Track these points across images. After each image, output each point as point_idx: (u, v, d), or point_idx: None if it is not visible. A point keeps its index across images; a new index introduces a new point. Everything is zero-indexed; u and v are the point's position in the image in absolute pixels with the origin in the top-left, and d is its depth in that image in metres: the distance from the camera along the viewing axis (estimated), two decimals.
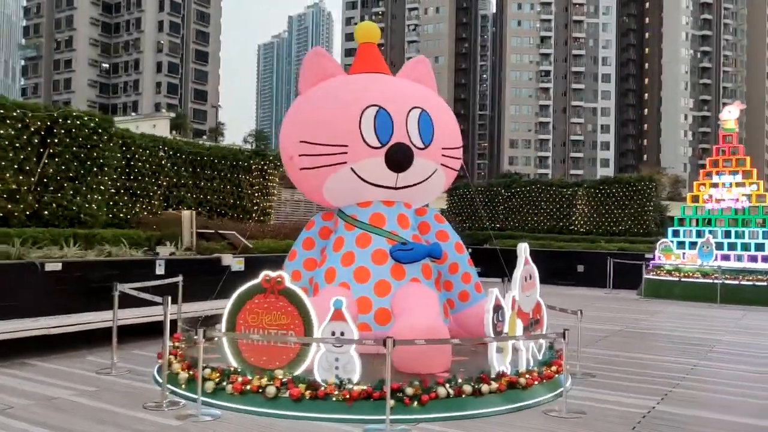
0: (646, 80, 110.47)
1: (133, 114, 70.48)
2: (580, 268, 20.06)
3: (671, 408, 5.93)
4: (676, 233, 17.77)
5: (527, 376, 6.07)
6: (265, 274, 5.99)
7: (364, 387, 5.40)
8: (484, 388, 5.63)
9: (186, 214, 10.83)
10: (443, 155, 7.55)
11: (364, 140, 7.09)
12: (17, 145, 9.44)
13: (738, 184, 17.29)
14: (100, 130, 10.64)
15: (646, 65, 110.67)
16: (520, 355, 6.41)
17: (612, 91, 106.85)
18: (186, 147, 14.46)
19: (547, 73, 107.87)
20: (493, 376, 5.87)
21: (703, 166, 18.20)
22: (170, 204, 13.73)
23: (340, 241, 7.49)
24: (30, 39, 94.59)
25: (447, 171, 7.73)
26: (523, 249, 6.64)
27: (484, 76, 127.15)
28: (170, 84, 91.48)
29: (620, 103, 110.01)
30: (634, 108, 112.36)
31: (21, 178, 9.49)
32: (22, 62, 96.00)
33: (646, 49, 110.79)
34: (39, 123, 9.73)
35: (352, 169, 7.20)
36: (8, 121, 9.25)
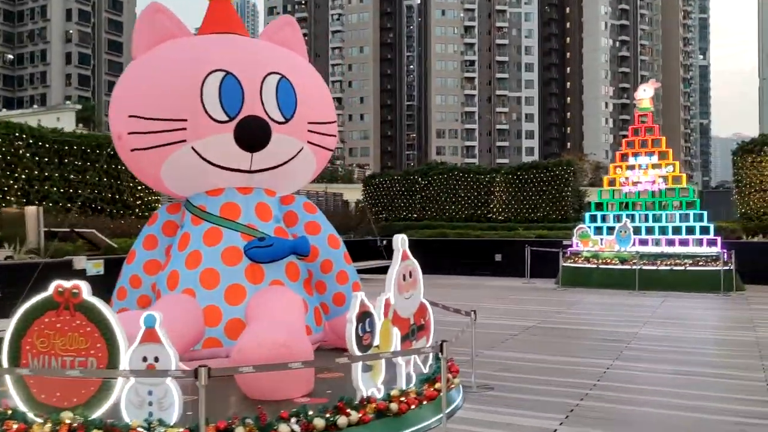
0: (568, 69, 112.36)
1: (34, 107, 66.23)
2: (498, 257, 19.23)
3: (574, 430, 4.88)
4: (593, 218, 17.12)
5: (402, 399, 4.89)
6: (58, 283, 4.58)
7: (180, 430, 4.10)
8: (342, 420, 4.41)
9: (30, 210, 9.21)
10: (310, 131, 6.28)
11: (207, 113, 5.75)
12: None
13: (654, 166, 16.74)
14: None
15: (568, 54, 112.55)
16: (399, 372, 5.24)
17: (535, 80, 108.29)
18: (51, 135, 12.67)
19: (472, 62, 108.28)
20: (356, 401, 4.66)
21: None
22: (31, 200, 11.96)
23: (186, 238, 6.13)
24: None
25: (317, 151, 6.46)
26: (400, 241, 5.44)
27: (411, 66, 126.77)
28: (81, 75, 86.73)
29: (543, 92, 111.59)
30: (557, 97, 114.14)
31: None
32: None
33: (568, 39, 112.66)
34: None
35: (193, 148, 5.84)
36: None
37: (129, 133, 5.90)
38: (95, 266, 9.03)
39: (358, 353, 4.74)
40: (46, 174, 12.28)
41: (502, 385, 6.28)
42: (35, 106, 68.41)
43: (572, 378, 6.52)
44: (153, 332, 4.37)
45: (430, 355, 5.90)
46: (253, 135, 5.85)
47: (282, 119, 6.01)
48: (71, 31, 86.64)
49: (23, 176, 11.80)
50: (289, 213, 6.45)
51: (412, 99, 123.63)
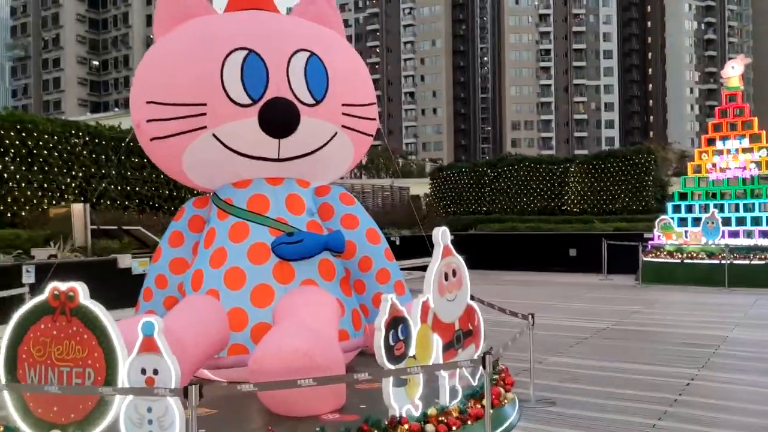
0: (650, 55, 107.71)
1: (115, 110, 68.68)
2: (572, 252, 18.12)
3: None
4: (677, 209, 15.79)
5: (442, 419, 4.20)
6: (54, 286, 4.14)
7: None
8: None
9: (77, 208, 9.00)
10: (345, 114, 5.65)
11: (228, 96, 5.21)
12: None
13: (745, 150, 15.26)
14: None
15: (649, 39, 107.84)
16: (441, 385, 4.56)
17: (615, 67, 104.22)
18: (108, 133, 12.58)
19: (548, 51, 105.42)
20: (386, 423, 4.01)
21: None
22: (88, 198, 11.89)
23: (212, 234, 5.63)
24: (18, 39, 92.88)
25: (354, 136, 5.83)
26: (441, 235, 4.75)
27: (485, 58, 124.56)
28: None
29: (624, 80, 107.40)
30: (638, 84, 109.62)
31: None
32: (11, 63, 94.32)
33: (649, 23, 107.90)
34: None
35: (214, 135, 5.32)
36: None
37: (147, 121, 5.44)
38: (141, 264, 8.72)
39: (388, 366, 4.10)
40: (103, 172, 12.19)
41: (565, 399, 5.48)
42: (116, 109, 70.93)
43: (650, 391, 5.65)
44: (152, 341, 3.85)
45: (488, 363, 5.18)
46: (279, 119, 5.27)
47: (312, 101, 5.41)
48: (152, 36, 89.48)
49: (80, 174, 11.73)
50: (324, 205, 5.85)
51: (486, 91, 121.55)
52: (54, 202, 11.07)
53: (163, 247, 5.94)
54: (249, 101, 5.23)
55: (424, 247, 17.38)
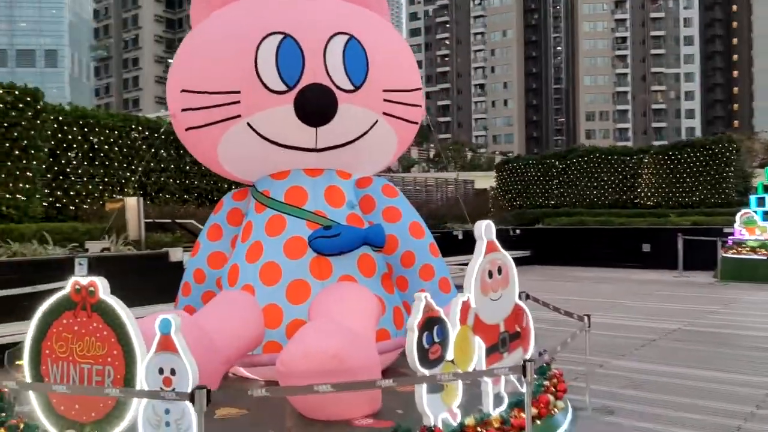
0: (735, 40, 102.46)
1: None
2: (646, 248, 17.20)
3: None
4: (761, 202, 14.71)
5: (480, 429, 3.84)
6: (75, 280, 4.00)
7: None
8: None
9: (130, 201, 9.04)
10: (386, 100, 5.33)
11: (263, 83, 4.97)
12: None
13: None
14: (21, 106, 8.99)
15: (734, 23, 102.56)
16: (484, 392, 4.20)
17: (696, 54, 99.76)
18: (168, 127, 12.66)
19: (624, 39, 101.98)
20: None
21: None
22: (148, 192, 12.02)
23: (249, 227, 5.43)
24: (100, 41, 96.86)
25: (398, 124, 5.50)
26: (484, 229, 4.37)
27: (558, 48, 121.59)
28: None
29: (706, 67, 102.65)
30: (722, 71, 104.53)
31: None
32: (95, 64, 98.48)
33: (734, 6, 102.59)
34: None
35: (249, 124, 5.10)
36: None
37: (182, 111, 5.27)
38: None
39: (420, 370, 3.76)
40: (163, 166, 12.30)
41: (626, 408, 5.02)
42: None
43: (723, 402, 5.11)
44: (169, 339, 3.65)
45: (528, 372, 4.77)
46: (315, 106, 5.00)
47: (350, 87, 5.11)
48: None
49: (140, 168, 11.86)
50: (365, 197, 5.55)
51: (559, 82, 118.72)
52: (114, 196, 11.22)
53: (202, 240, 5.78)
54: (284, 88, 4.98)
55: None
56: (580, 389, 5.14)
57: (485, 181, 25.67)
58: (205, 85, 5.12)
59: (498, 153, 76.98)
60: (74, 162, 10.92)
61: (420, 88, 5.74)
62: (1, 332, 6.51)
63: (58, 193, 10.72)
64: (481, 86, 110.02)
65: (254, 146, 5.21)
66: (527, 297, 5.88)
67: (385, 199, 5.55)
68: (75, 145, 10.92)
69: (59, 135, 10.66)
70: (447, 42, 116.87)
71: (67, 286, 4.00)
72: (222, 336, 4.64)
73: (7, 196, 8.74)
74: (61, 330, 3.98)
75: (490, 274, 4.39)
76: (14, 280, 7.11)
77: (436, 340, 3.85)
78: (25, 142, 8.91)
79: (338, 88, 5.06)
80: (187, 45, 5.45)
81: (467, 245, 14.96)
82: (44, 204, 10.42)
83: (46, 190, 10.51)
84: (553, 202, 22.12)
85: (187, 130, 5.34)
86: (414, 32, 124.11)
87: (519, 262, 17.49)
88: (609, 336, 7.65)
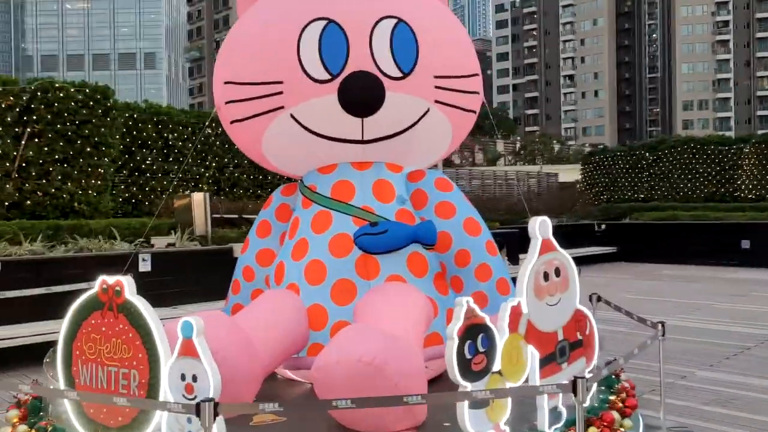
0: None
1: None
2: (745, 244, 15.95)
3: None
4: None
5: None
6: (103, 279, 3.87)
7: None
8: None
9: (197, 196, 9.05)
10: (439, 87, 4.96)
11: (306, 71, 4.72)
12: None
13: None
14: (92, 104, 9.17)
15: None
16: (539, 406, 3.78)
17: None
18: None
19: (726, 23, 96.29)
20: None
21: None
22: (222, 188, 12.11)
23: (296, 223, 5.20)
24: (194, 42, 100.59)
25: (452, 112, 5.12)
26: (539, 227, 3.94)
27: (654, 35, 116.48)
28: None
29: None
30: None
31: None
32: (188, 64, 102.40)
33: None
34: (12, 98, 8.42)
35: (292, 116, 4.86)
36: None
37: (226, 103, 5.10)
38: None
39: (462, 383, 3.40)
40: (236, 161, 12.36)
41: (708, 428, 4.44)
42: None
43: None
44: (190, 344, 3.44)
45: (594, 384, 4.30)
46: (360, 95, 4.70)
47: (398, 74, 4.78)
48: None
49: (214, 164, 11.96)
50: (417, 192, 5.20)
51: (654, 71, 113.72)
52: (187, 192, 11.35)
53: (251, 237, 5.61)
54: (328, 76, 4.71)
55: (580, 237, 16.29)
56: (657, 404, 4.62)
57: (571, 174, 24.70)
58: (247, 75, 4.93)
59: (588, 145, 74.42)
60: (149, 159, 11.11)
61: (477, 74, 5.32)
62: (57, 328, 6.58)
63: (134, 189, 10.93)
64: (571, 77, 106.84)
65: (298, 139, 4.96)
66: (599, 299, 5.38)
67: (438, 193, 5.18)
68: (149, 142, 11.10)
69: (134, 132, 10.85)
70: (534, 33, 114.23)
71: (95, 285, 3.89)
72: (262, 338, 4.42)
73: (79, 192, 8.96)
74: (90, 330, 3.85)
75: (546, 277, 3.96)
76: (78, 274, 7.18)
77: (481, 349, 3.47)
78: (96, 139, 9.12)
79: (385, 75, 4.74)
80: (231, 36, 5.27)
81: None
82: (120, 199, 10.66)
83: (122, 186, 10.74)
84: (642, 196, 20.97)
85: (231, 123, 5.17)
86: (500, 24, 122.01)
87: (604, 258, 16.65)
88: (695, 342, 6.98)
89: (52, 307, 6.85)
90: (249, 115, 4.97)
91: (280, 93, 4.81)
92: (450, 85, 5.02)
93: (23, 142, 8.49)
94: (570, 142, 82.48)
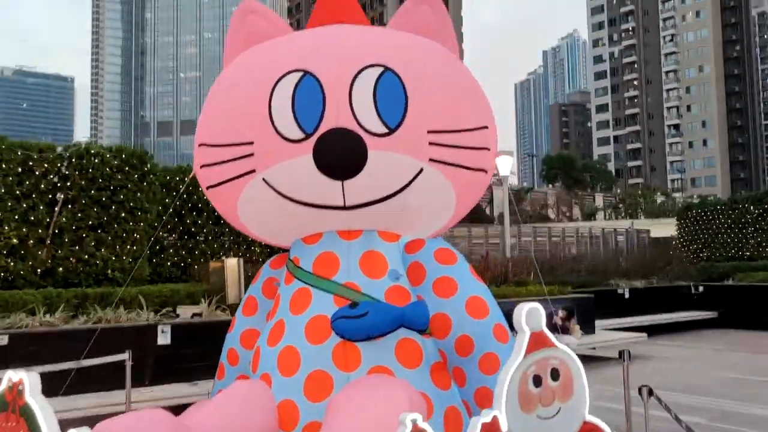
0: None
1: None
2: None
3: None
4: None
5: None
6: (9, 376, 3.35)
7: None
8: None
9: (230, 262, 8.63)
10: (434, 143, 4.25)
11: (277, 130, 4.16)
12: (18, 192, 8.19)
13: None
14: (128, 169, 9.05)
15: None
16: None
17: None
18: None
19: None
20: None
21: None
22: (275, 251, 11.68)
23: (277, 302, 4.58)
24: None
25: (453, 172, 4.37)
26: (525, 316, 3.12)
27: (767, 81, 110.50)
28: None
29: None
30: None
31: (25, 230, 8.18)
32: None
33: None
34: (47, 165, 8.40)
35: (264, 180, 4.29)
36: (3, 166, 8.02)
37: (201, 167, 4.60)
38: None
39: None
40: None
41: None
42: None
43: None
44: None
45: None
46: (337, 155, 4.07)
47: (383, 129, 4.12)
48: None
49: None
50: (414, 265, 4.45)
51: None
52: (240, 255, 11.02)
53: (237, 315, 5.03)
54: (301, 135, 4.11)
55: (674, 300, 14.69)
56: None
57: (665, 229, 22.87)
58: (219, 137, 4.43)
59: (696, 197, 70.22)
60: (199, 221, 10.90)
61: (486, 127, 4.56)
62: (61, 407, 6.19)
63: (183, 252, 10.71)
64: (676, 126, 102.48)
65: (274, 205, 4.37)
66: (650, 393, 4.45)
67: (437, 266, 4.40)
68: (200, 204, 10.92)
69: (185, 195, 10.71)
70: (635, 83, 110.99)
71: (3, 382, 3.38)
72: None
73: (113, 258, 8.78)
74: None
75: (538, 381, 3.09)
76: (92, 349, 6.76)
77: None
78: (132, 204, 8.98)
79: (367, 131, 4.09)
80: (209, 94, 4.81)
81: (634, 305, 13.00)
82: (168, 263, 10.45)
83: (171, 250, 10.54)
84: (747, 254, 18.93)
85: (207, 188, 4.66)
86: (599, 75, 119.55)
87: (702, 324, 14.85)
88: None
89: (55, 384, 6.49)
90: (222, 180, 4.45)
91: (251, 155, 4.26)
92: (448, 141, 4.30)
93: (57, 209, 8.44)
94: (676, 194, 78.20)
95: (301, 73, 4.19)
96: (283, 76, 4.21)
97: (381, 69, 4.19)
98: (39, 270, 8.27)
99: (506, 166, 13.49)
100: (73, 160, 8.62)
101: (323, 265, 4.38)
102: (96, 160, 8.75)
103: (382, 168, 4.15)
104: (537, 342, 3.11)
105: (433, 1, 4.93)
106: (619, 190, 63.55)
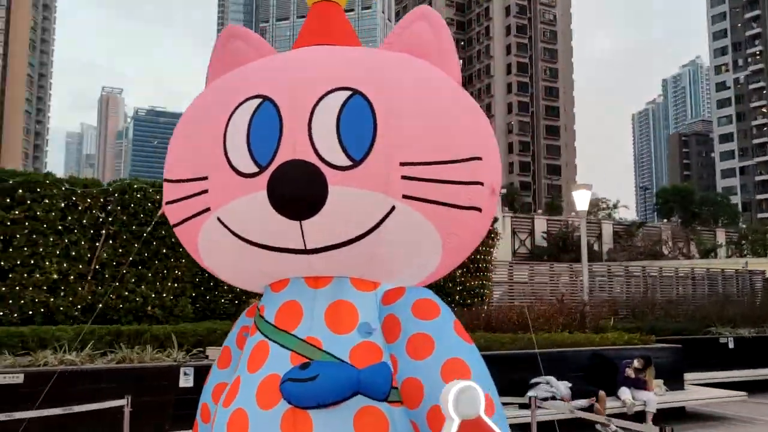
0: None
1: None
2: None
3: None
4: None
5: None
6: None
7: None
8: None
9: None
10: (407, 177, 3.63)
11: (230, 164, 3.71)
12: (60, 227, 8.23)
13: None
14: None
15: None
16: None
17: None
18: None
19: None
20: None
21: None
22: None
23: (241, 357, 4.08)
24: None
25: (433, 211, 3.72)
26: (453, 399, 2.45)
27: None
28: (522, 162, 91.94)
29: None
30: None
31: (66, 265, 8.19)
32: None
33: None
34: (90, 200, 8.40)
35: (219, 219, 3.83)
36: (46, 201, 8.09)
37: (166, 204, 4.22)
38: None
39: None
40: None
41: None
42: None
43: None
44: None
45: None
46: (291, 191, 3.55)
47: (347, 162, 3.56)
48: (512, 123, 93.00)
49: None
50: (389, 319, 3.81)
51: None
52: None
53: (213, 368, 4.56)
54: (255, 169, 3.63)
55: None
56: None
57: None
58: (177, 171, 4.04)
59: None
60: None
61: (478, 158, 3.89)
62: None
63: (237, 289, 10.50)
64: None
65: (234, 247, 3.89)
66: None
67: (413, 321, 3.73)
68: None
69: None
70: (764, 110, 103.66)
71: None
72: None
73: (153, 295, 8.65)
74: None
75: None
76: (110, 390, 6.56)
77: None
78: (173, 240, 8.84)
79: (327, 164, 3.55)
80: (177, 125, 4.45)
81: (739, 356, 11.47)
82: (222, 300, 10.25)
83: (225, 286, 10.35)
84: None
85: (173, 227, 4.26)
86: (722, 103, 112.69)
87: None
88: None
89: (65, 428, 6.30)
90: (181, 218, 4.05)
91: (206, 191, 3.83)
92: (426, 174, 3.67)
93: (98, 244, 8.44)
94: None
95: (259, 100, 3.73)
96: (242, 103, 3.77)
97: (349, 93, 3.66)
98: (79, 306, 8.30)
99: (584, 200, 12.48)
100: (116, 195, 8.65)
101: (285, 316, 3.85)
102: (138, 195, 8.73)
103: (346, 206, 3.59)
104: None
105: (433, 17, 4.38)
106: (744, 226, 58.64)
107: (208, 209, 3.84)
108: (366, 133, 3.59)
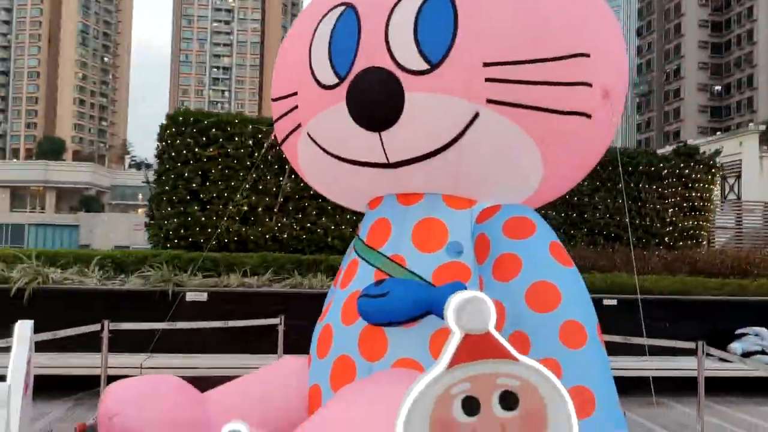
0: None
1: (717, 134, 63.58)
2: None
3: None
4: None
5: None
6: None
7: None
8: None
9: None
10: (491, 79, 3.22)
11: (315, 76, 3.62)
12: (248, 163, 8.77)
13: None
14: None
15: None
16: None
17: None
18: None
19: None
20: None
21: None
22: None
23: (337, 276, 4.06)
24: (642, 76, 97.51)
25: (529, 118, 3.27)
26: (454, 310, 2.13)
27: None
28: None
29: None
30: None
31: (255, 199, 8.74)
32: (637, 100, 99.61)
33: None
34: (274, 137, 8.80)
35: (308, 135, 3.78)
36: (236, 139, 8.65)
37: (274, 122, 4.27)
38: None
39: None
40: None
41: None
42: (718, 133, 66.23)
43: None
44: None
45: None
46: (366, 100, 3.36)
47: (423, 66, 3.27)
48: None
49: None
50: (480, 238, 3.49)
51: None
52: None
53: (331, 289, 4.61)
54: (335, 80, 3.50)
55: None
56: None
57: None
58: (275, 90, 4.05)
59: None
60: None
61: (586, 54, 3.32)
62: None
63: None
64: None
65: (324, 164, 3.82)
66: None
67: (504, 241, 3.38)
68: None
69: None
70: None
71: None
72: (227, 415, 3.47)
73: (332, 227, 8.95)
74: None
75: (472, 407, 2.07)
76: (276, 310, 7.05)
77: None
78: None
79: (403, 69, 3.29)
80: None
81: None
82: None
83: None
84: None
85: (280, 146, 4.31)
86: None
87: None
88: None
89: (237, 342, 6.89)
90: (282, 137, 4.07)
91: (296, 107, 3.79)
92: (515, 76, 3.23)
93: (282, 179, 8.92)
94: None
95: (342, 8, 3.56)
96: (328, 12, 3.64)
97: None
98: (267, 236, 8.92)
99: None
100: None
101: (375, 234, 3.72)
102: None
103: (425, 114, 3.32)
104: (476, 349, 2.10)
105: None
106: None
107: (299, 126, 3.80)
108: (445, 32, 3.25)
